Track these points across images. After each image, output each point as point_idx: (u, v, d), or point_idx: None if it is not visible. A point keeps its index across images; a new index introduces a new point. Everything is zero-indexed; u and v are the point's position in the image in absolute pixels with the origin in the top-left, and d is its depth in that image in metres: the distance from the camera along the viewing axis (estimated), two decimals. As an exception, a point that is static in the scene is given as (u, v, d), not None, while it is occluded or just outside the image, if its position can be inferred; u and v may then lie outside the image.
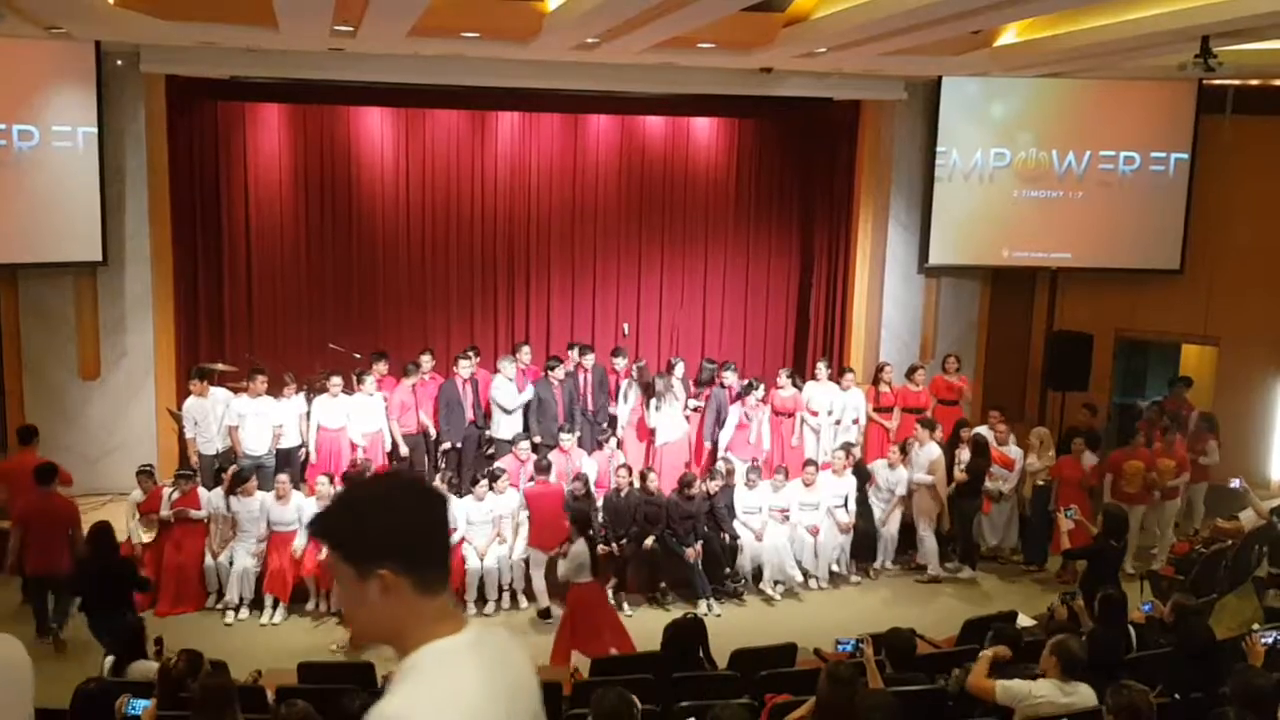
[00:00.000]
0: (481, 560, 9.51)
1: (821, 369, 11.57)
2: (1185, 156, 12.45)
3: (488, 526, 9.64)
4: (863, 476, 10.60)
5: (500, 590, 9.64)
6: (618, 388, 11.29)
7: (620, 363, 11.35)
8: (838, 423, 11.41)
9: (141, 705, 5.54)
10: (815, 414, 11.37)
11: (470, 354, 11.03)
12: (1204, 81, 11.84)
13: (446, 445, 10.74)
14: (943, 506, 10.51)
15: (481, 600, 9.59)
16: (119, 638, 7.27)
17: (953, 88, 12.28)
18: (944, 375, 11.79)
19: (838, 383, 11.47)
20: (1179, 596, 6.83)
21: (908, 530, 10.68)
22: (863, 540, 10.56)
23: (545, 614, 9.45)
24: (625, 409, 11.12)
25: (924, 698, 6.07)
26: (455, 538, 9.44)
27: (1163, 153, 12.51)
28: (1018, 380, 13.48)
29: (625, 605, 9.71)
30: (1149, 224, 12.60)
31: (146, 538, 9.42)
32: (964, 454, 10.68)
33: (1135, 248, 12.68)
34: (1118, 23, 8.78)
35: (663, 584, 9.89)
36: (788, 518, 10.18)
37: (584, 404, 11.12)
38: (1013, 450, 10.83)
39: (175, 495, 9.34)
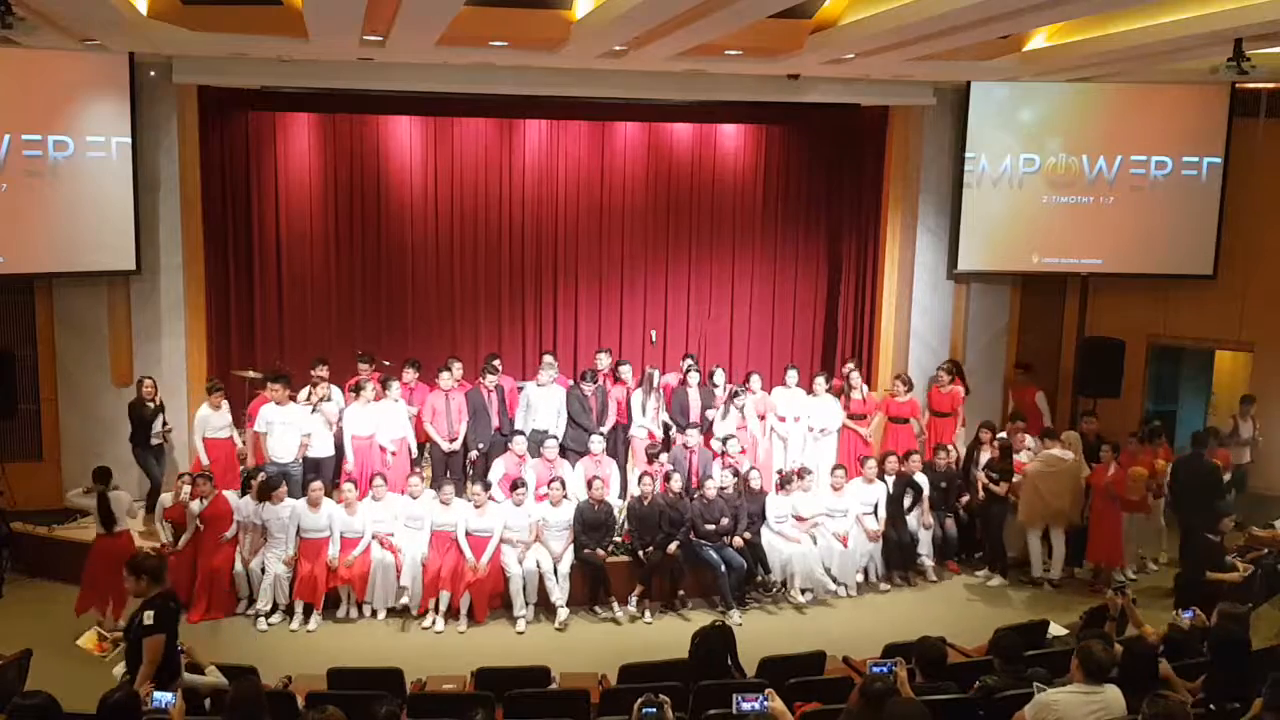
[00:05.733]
0: (522, 565, 9.54)
1: (791, 376, 11.56)
2: (1218, 160, 12.33)
3: (526, 533, 9.69)
4: (915, 490, 10.57)
5: (543, 601, 9.62)
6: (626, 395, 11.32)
7: (604, 360, 11.37)
8: (810, 430, 11.41)
9: (166, 699, 5.58)
10: (783, 420, 11.40)
11: (495, 364, 11.11)
12: (1237, 85, 11.73)
13: (474, 453, 10.79)
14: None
15: (525, 608, 9.59)
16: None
17: (981, 93, 12.22)
18: (937, 387, 11.73)
19: (808, 390, 11.53)
20: (1224, 605, 6.72)
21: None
22: (894, 548, 10.51)
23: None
24: (645, 418, 11.13)
25: (955, 707, 6.03)
26: (491, 546, 9.50)
27: (1195, 157, 12.38)
28: (1049, 387, 13.35)
29: (647, 613, 9.72)
30: (1181, 229, 12.47)
31: (169, 538, 9.62)
32: (984, 457, 10.65)
33: (1167, 253, 12.55)
34: (1149, 26, 8.70)
35: (681, 592, 9.89)
36: (815, 539, 10.17)
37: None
38: (1024, 457, 10.76)
39: (204, 505, 9.43)
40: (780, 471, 10.64)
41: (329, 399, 10.50)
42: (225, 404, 10.48)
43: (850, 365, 11.96)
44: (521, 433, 10.62)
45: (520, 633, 9.41)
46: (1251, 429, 11.67)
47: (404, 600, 9.48)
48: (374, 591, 9.52)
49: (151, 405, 10.47)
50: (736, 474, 10.23)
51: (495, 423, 10.87)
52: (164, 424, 10.58)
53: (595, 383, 11.02)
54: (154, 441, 10.51)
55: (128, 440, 10.50)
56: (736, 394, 11.10)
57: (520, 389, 11.19)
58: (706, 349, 13.02)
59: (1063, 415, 13.08)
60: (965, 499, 10.80)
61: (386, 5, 8.05)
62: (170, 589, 6.33)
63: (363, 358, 11.07)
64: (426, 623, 9.37)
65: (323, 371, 10.70)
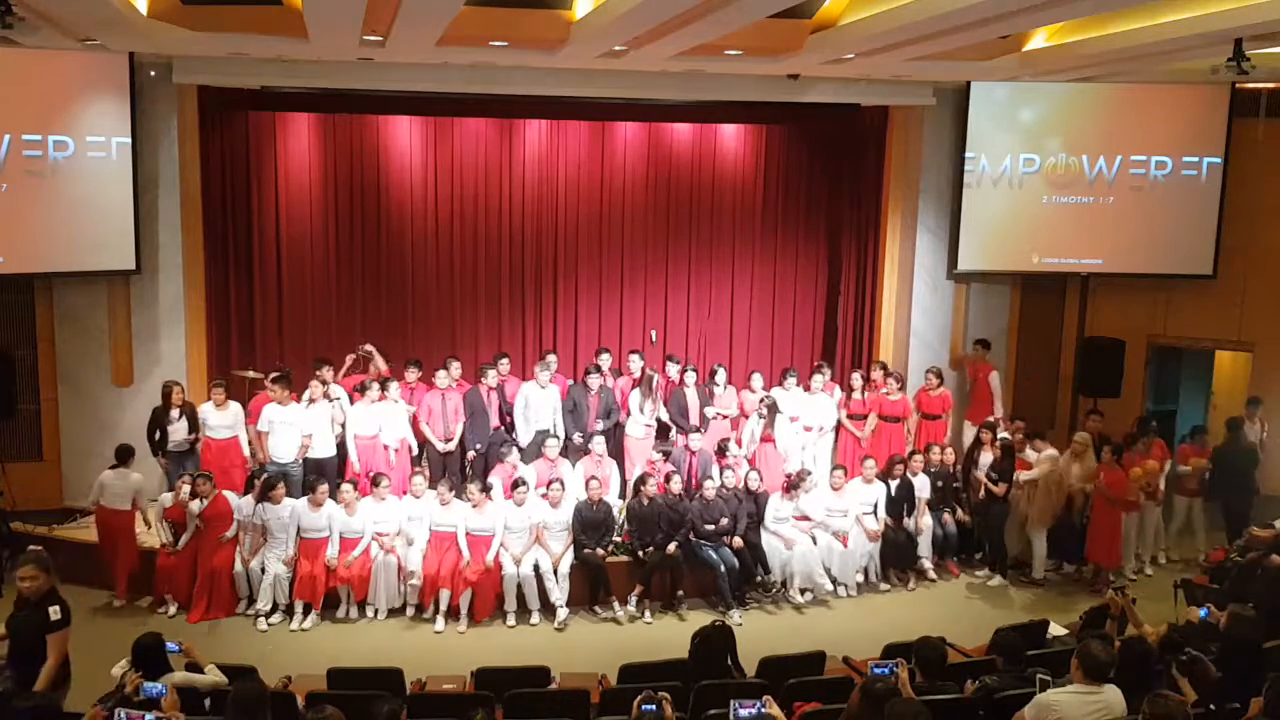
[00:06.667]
0: (518, 566, 9.53)
1: (791, 379, 11.56)
2: (1218, 160, 12.32)
3: (525, 534, 9.68)
4: (910, 500, 10.58)
5: (543, 601, 9.61)
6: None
7: (606, 360, 11.38)
8: (806, 429, 11.42)
9: (157, 689, 5.58)
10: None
11: (502, 364, 11.09)
12: (1237, 85, 11.73)
13: (471, 453, 10.79)
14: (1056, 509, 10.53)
15: (524, 612, 9.59)
16: None
17: (981, 93, 12.22)
18: (925, 390, 11.70)
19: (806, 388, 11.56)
20: (1235, 607, 6.72)
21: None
22: (894, 548, 10.51)
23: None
24: (643, 416, 11.13)
25: (955, 707, 6.02)
26: (494, 546, 9.51)
27: (1195, 157, 12.38)
28: (1049, 387, 13.37)
29: (647, 613, 9.72)
30: (1181, 229, 12.47)
31: (169, 538, 9.61)
32: (985, 457, 10.65)
33: (1167, 253, 12.55)
34: (1149, 26, 8.70)
35: (680, 592, 9.89)
36: (814, 539, 10.17)
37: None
38: (1029, 456, 10.78)
39: (204, 505, 9.43)
40: (788, 476, 10.61)
41: (330, 398, 10.48)
42: (233, 405, 10.39)
43: (822, 368, 11.90)
44: (514, 441, 10.62)
45: (511, 626, 9.43)
46: (1259, 430, 11.64)
47: (413, 582, 9.46)
48: (376, 592, 9.52)
49: (177, 411, 10.25)
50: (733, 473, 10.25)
51: (495, 423, 10.87)
52: (190, 430, 10.29)
53: (600, 375, 11.02)
54: (174, 449, 10.26)
55: (151, 448, 10.31)
56: (772, 405, 11.10)
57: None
58: (706, 349, 13.05)
59: (1064, 415, 13.09)
60: (964, 516, 10.83)
61: (386, 5, 8.05)
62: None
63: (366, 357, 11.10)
64: (428, 615, 9.38)
65: (327, 374, 10.66)
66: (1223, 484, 10.99)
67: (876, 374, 11.75)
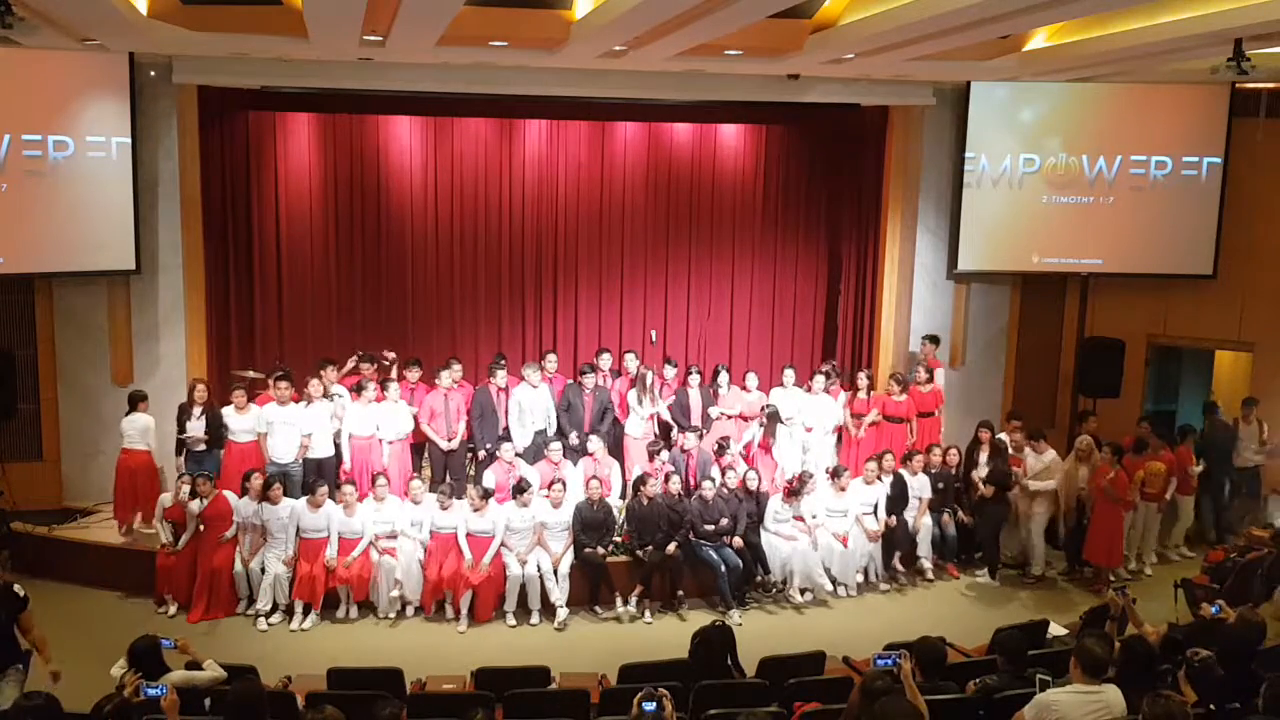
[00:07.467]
0: (523, 566, 9.53)
1: (789, 376, 11.54)
2: (1218, 160, 12.33)
3: (529, 534, 9.68)
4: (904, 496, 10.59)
5: (543, 602, 9.60)
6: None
7: (605, 359, 11.41)
8: (807, 429, 11.40)
9: (156, 690, 5.57)
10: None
11: (503, 363, 11.10)
12: (1237, 85, 11.74)
13: (482, 452, 10.78)
14: (1057, 509, 10.68)
15: (524, 612, 9.59)
16: None
17: (981, 93, 12.22)
18: (916, 386, 11.69)
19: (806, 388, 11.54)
20: (1244, 610, 6.71)
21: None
22: (888, 544, 10.51)
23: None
24: (641, 413, 11.13)
25: (955, 707, 6.02)
26: (494, 546, 9.50)
27: (1195, 157, 12.38)
28: (1049, 387, 13.37)
29: (647, 613, 9.71)
30: (1181, 229, 12.48)
31: (169, 538, 9.61)
32: (984, 457, 10.65)
33: (1167, 253, 12.56)
34: (1149, 26, 8.70)
35: (680, 592, 9.88)
36: (815, 544, 10.17)
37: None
38: (1028, 456, 10.78)
39: (204, 504, 9.43)
40: (789, 481, 10.60)
41: (329, 396, 10.46)
42: (254, 408, 10.27)
43: (829, 375, 11.83)
44: (507, 439, 10.60)
45: (512, 626, 9.43)
46: (1258, 431, 11.59)
47: (393, 593, 9.46)
48: (377, 593, 9.52)
49: (199, 410, 10.15)
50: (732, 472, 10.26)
51: (503, 423, 10.86)
52: (204, 430, 10.13)
53: (596, 374, 11.02)
54: (190, 447, 10.15)
55: (175, 446, 10.29)
56: (773, 414, 11.09)
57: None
58: (706, 349, 13.05)
59: (1064, 415, 13.10)
60: (965, 516, 10.81)
61: (386, 5, 8.05)
62: None
63: (364, 357, 11.07)
64: (428, 615, 9.39)
65: (330, 374, 10.63)
66: (1208, 470, 11.26)
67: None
